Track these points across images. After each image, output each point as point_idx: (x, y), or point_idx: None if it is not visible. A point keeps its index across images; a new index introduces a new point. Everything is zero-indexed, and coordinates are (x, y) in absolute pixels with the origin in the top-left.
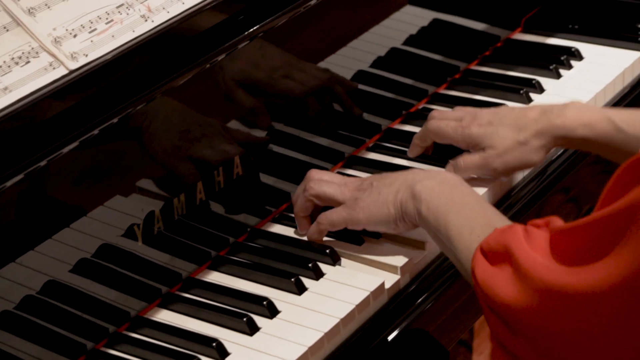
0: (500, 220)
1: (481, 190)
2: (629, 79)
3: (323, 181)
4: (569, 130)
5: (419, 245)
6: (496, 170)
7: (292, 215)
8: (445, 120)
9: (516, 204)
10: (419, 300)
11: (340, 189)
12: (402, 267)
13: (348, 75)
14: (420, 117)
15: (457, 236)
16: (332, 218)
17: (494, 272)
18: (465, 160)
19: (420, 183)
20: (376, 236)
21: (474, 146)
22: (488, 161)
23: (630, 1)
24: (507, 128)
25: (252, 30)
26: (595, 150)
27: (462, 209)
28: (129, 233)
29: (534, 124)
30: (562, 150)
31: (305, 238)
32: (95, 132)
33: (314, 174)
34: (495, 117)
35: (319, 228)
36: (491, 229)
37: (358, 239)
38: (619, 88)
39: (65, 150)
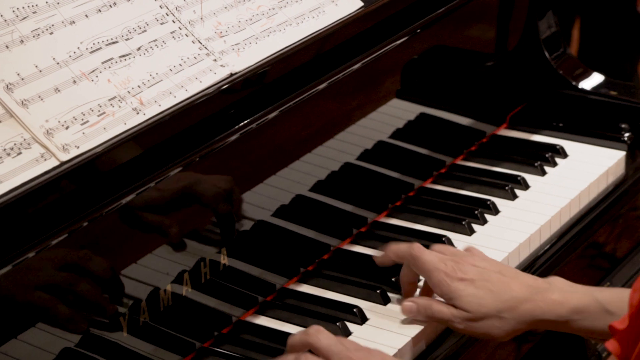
0: None
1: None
2: (612, 178)
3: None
4: (554, 315)
5: None
6: (457, 329)
7: (277, 306)
8: (431, 256)
9: None
10: None
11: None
12: None
13: (335, 167)
14: (407, 211)
15: None
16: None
17: None
18: (433, 311)
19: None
20: (363, 329)
21: (447, 298)
22: (455, 320)
23: (613, 101)
24: (488, 296)
25: (242, 124)
26: (577, 332)
27: None
28: (114, 323)
29: (515, 301)
30: None
31: (290, 330)
32: (85, 224)
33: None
34: (479, 277)
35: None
36: None
37: (345, 332)
38: (602, 187)
39: (54, 242)
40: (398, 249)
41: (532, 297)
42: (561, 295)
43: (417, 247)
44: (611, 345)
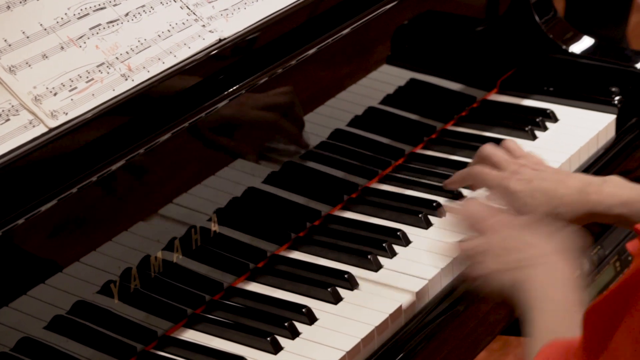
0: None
1: None
2: (602, 142)
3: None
4: (605, 207)
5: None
6: None
7: (268, 273)
8: (488, 169)
9: None
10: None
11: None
12: (378, 327)
13: (325, 133)
14: (395, 179)
15: (537, 337)
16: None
17: None
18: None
19: (535, 270)
20: (353, 295)
21: (508, 201)
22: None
23: (603, 65)
24: (544, 194)
25: (231, 89)
26: (628, 227)
27: (556, 311)
28: (105, 290)
29: (569, 196)
30: None
31: (282, 297)
32: (74, 190)
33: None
34: (536, 176)
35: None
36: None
37: (335, 298)
38: (593, 150)
39: (43, 208)
40: (461, 175)
41: (585, 190)
42: (613, 189)
43: (477, 168)
44: (631, 245)
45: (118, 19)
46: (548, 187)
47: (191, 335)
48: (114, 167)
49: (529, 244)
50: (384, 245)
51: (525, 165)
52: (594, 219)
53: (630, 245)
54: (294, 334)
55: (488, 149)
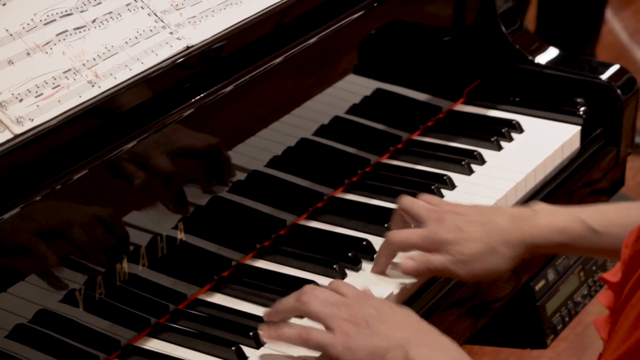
0: None
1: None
2: (567, 152)
3: (318, 298)
4: (544, 239)
5: None
6: (460, 277)
7: (233, 282)
8: (410, 231)
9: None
10: None
11: (332, 312)
12: None
13: (291, 142)
14: (363, 186)
15: None
16: (313, 338)
17: None
18: (431, 261)
19: (415, 349)
20: None
21: (442, 251)
22: (454, 267)
23: (569, 75)
24: (476, 234)
25: (198, 97)
26: (569, 253)
27: None
28: (70, 299)
29: (504, 232)
30: None
31: (246, 306)
32: (38, 198)
33: (309, 288)
34: (462, 222)
35: (295, 336)
36: None
37: None
38: (558, 161)
39: (6, 216)
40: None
41: (519, 225)
42: (547, 219)
43: (405, 200)
44: (602, 297)
45: (85, 26)
46: (478, 228)
47: (155, 345)
48: (79, 175)
49: (395, 324)
50: (349, 255)
51: (447, 212)
52: (535, 251)
53: (603, 299)
54: (258, 343)
55: (406, 202)
